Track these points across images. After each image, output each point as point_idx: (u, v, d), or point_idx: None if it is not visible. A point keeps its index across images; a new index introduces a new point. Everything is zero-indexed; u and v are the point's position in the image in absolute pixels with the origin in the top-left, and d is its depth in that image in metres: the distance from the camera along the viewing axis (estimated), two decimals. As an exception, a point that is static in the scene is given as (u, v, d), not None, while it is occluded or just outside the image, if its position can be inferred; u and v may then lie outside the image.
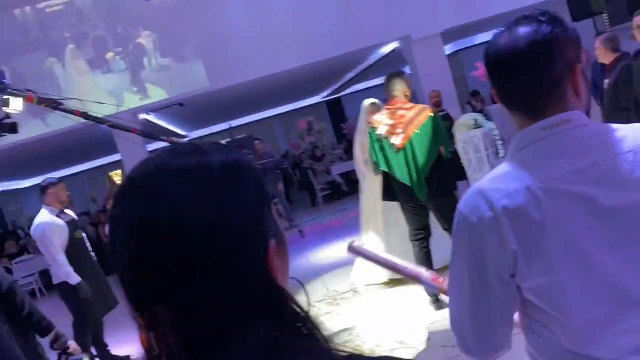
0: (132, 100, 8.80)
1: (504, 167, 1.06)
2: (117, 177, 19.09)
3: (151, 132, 8.59)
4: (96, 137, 10.43)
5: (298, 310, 0.61)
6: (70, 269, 4.35)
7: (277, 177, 9.68)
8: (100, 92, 8.55)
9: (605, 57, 4.62)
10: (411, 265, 1.63)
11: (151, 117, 10.43)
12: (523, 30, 1.03)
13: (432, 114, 3.90)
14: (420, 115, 3.86)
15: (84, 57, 8.69)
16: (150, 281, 0.57)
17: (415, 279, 1.60)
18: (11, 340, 2.64)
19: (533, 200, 0.98)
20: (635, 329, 0.98)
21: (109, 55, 8.81)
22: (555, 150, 1.01)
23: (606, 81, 4.59)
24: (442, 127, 3.90)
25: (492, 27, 12.18)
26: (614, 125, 1.06)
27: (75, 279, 4.35)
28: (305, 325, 0.60)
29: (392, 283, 4.79)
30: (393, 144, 3.88)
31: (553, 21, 1.03)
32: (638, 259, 0.98)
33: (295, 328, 0.60)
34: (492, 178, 1.06)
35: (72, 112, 6.85)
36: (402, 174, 3.87)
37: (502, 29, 1.07)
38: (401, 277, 4.83)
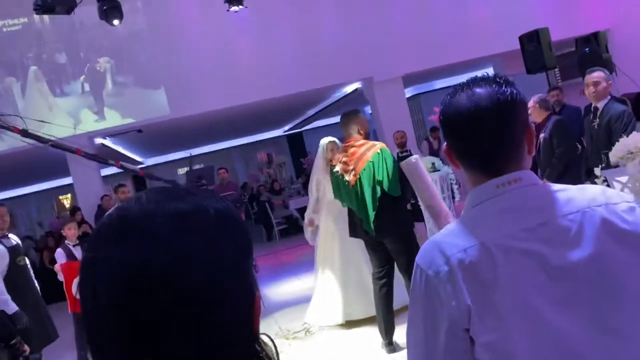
0: (91, 124, 8.60)
1: (460, 222, 1.07)
2: (66, 200, 18.47)
3: (97, 155, 8.34)
4: (47, 158, 10.10)
5: None
6: (7, 297, 4.11)
7: (238, 211, 9.54)
8: (60, 114, 8.34)
9: (538, 116, 5.08)
10: (444, 205, 1.72)
11: (107, 142, 10.19)
12: (483, 90, 1.05)
13: (380, 150, 3.90)
14: (368, 152, 3.91)
15: (44, 79, 8.48)
16: (138, 330, 0.54)
17: (436, 214, 1.67)
18: None
19: (487, 256, 0.99)
20: None
21: (69, 78, 8.62)
22: (508, 208, 1.03)
23: (541, 135, 4.98)
24: (389, 163, 3.87)
25: (450, 74, 12.69)
26: (561, 185, 1.09)
27: (12, 307, 4.11)
28: None
29: (346, 325, 4.73)
30: (347, 181, 3.93)
31: (509, 83, 1.07)
32: (586, 319, 0.99)
33: None
34: (448, 232, 1.07)
35: (9, 128, 6.62)
36: (357, 210, 3.90)
37: (455, 89, 1.09)
38: (356, 319, 4.80)
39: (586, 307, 0.99)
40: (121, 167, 8.32)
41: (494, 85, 1.05)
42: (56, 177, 14.95)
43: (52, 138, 7.08)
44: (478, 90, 1.05)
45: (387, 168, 3.79)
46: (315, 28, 9.06)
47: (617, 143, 3.50)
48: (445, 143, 1.13)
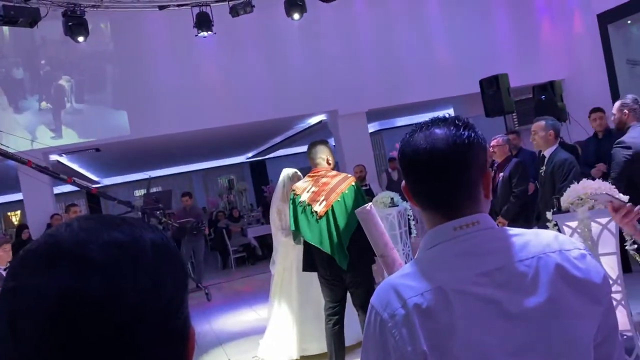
0: (47, 141, 8.34)
1: (416, 264, 1.05)
2: (15, 217, 17.79)
3: (48, 168, 8.04)
4: (-2, 173, 9.73)
5: None
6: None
7: (197, 238, 9.25)
8: (17, 129, 8.07)
9: (501, 155, 5.35)
10: (397, 255, 1.71)
11: (63, 159, 9.91)
12: (441, 132, 1.05)
13: (354, 183, 3.91)
14: (342, 184, 3.84)
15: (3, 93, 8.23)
16: None
17: (389, 264, 1.65)
18: None
19: (444, 301, 0.97)
20: None
21: (27, 94, 8.40)
22: (465, 251, 1.02)
23: (501, 175, 5.20)
24: (363, 197, 3.90)
25: (412, 112, 12.97)
26: (517, 230, 1.08)
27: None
28: None
29: (299, 360, 4.64)
30: (315, 212, 3.81)
31: (468, 126, 1.07)
32: None
33: None
34: (405, 274, 1.04)
35: None
36: (322, 242, 3.78)
37: (415, 129, 1.09)
38: (308, 355, 4.68)
39: (540, 354, 0.98)
40: (73, 182, 8.06)
41: (452, 128, 1.05)
42: (6, 192, 14.39)
43: (2, 147, 6.85)
44: (436, 131, 1.05)
45: (364, 201, 3.78)
46: (283, 59, 9.15)
47: (568, 189, 3.62)
48: (403, 181, 1.12)
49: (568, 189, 3.60)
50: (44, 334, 0.50)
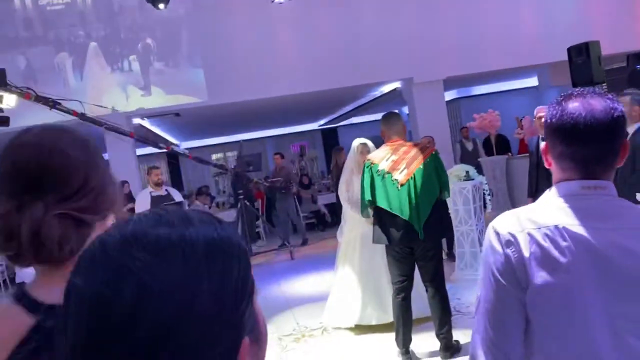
0: (133, 103, 8.75)
1: (540, 204, 1.22)
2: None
3: (148, 137, 8.57)
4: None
5: None
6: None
7: (285, 197, 9.98)
8: (106, 91, 8.55)
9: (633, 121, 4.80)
10: None
11: (145, 123, 10.36)
12: (598, 104, 1.17)
13: (434, 152, 3.89)
14: (423, 152, 3.83)
15: (102, 55, 8.70)
16: None
17: None
18: None
19: (560, 236, 1.14)
20: None
21: (114, 57, 8.78)
22: (588, 207, 1.17)
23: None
24: (443, 167, 3.88)
25: (490, 80, 12.36)
26: (630, 203, 1.22)
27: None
28: None
29: (360, 329, 4.67)
30: (395, 180, 3.78)
31: (618, 101, 1.19)
32: (620, 325, 1.11)
33: None
34: (529, 209, 1.22)
35: (69, 112, 6.92)
36: (402, 210, 3.74)
37: (567, 97, 1.20)
38: (367, 324, 4.70)
39: (628, 310, 1.17)
40: (171, 151, 8.81)
41: (607, 101, 1.18)
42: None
43: (107, 122, 7.51)
44: (593, 102, 1.17)
45: (444, 171, 3.81)
46: (357, 25, 8.98)
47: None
48: (545, 142, 1.25)
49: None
50: (76, 334, 0.51)
